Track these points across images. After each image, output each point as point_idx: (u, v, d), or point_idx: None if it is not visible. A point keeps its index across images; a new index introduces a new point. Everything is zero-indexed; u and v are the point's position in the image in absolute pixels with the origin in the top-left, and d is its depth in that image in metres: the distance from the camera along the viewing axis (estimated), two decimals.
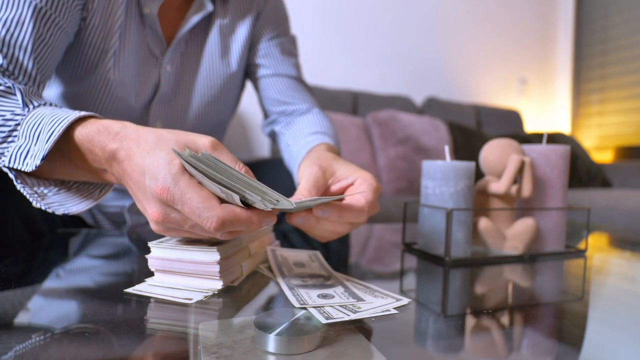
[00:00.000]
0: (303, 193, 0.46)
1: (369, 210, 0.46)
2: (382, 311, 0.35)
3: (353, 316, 0.33)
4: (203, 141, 0.38)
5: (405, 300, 0.38)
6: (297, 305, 0.35)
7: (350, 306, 0.35)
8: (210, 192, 0.34)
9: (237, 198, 0.33)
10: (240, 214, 0.34)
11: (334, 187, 0.50)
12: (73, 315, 0.35)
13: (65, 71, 0.67)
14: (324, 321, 0.31)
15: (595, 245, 0.77)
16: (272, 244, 0.53)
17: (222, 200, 0.34)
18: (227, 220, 0.33)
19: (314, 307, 0.35)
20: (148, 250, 0.41)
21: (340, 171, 0.50)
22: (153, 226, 0.38)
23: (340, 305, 0.35)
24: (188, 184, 0.34)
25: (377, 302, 0.37)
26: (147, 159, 0.36)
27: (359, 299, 0.37)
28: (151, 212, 0.36)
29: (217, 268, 0.39)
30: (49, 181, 0.48)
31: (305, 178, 0.48)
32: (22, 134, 0.45)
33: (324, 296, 0.37)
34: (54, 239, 0.64)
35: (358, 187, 0.48)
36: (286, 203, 0.35)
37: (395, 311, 0.35)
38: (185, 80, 0.75)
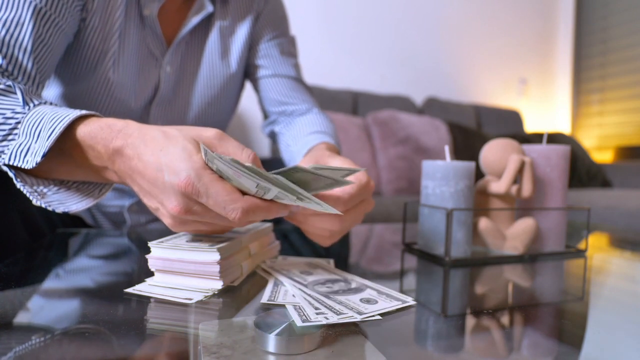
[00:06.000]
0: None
1: (350, 202, 0.45)
2: (368, 317, 0.33)
3: (333, 320, 0.32)
4: (208, 134, 0.39)
5: (408, 302, 0.38)
6: (358, 318, 0.33)
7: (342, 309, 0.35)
8: (232, 185, 0.36)
9: (274, 192, 0.36)
10: (261, 205, 0.37)
11: None
12: (73, 315, 0.35)
13: (64, 72, 0.67)
14: (300, 324, 0.30)
15: (595, 245, 0.77)
16: (272, 244, 0.53)
17: (242, 193, 0.37)
18: (251, 210, 0.36)
19: (291, 304, 0.35)
20: (148, 250, 0.41)
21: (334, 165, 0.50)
22: (168, 221, 0.39)
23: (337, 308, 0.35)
24: (212, 178, 0.35)
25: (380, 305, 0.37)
26: (162, 156, 0.37)
27: (404, 302, 0.37)
28: (172, 206, 0.37)
29: (217, 268, 0.39)
30: (48, 181, 0.48)
31: None
32: (23, 132, 0.45)
33: (367, 301, 0.37)
34: (54, 239, 0.64)
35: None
36: (315, 200, 0.36)
37: (379, 317, 0.34)
38: (185, 81, 0.75)
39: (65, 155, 0.45)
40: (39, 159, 0.42)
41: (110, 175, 0.45)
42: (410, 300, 0.38)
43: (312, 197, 0.36)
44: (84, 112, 0.44)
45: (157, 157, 0.37)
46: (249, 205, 0.36)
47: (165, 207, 0.38)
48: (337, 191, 0.45)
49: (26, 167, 0.43)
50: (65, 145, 0.44)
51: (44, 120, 0.44)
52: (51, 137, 0.42)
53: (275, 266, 0.48)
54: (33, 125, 0.44)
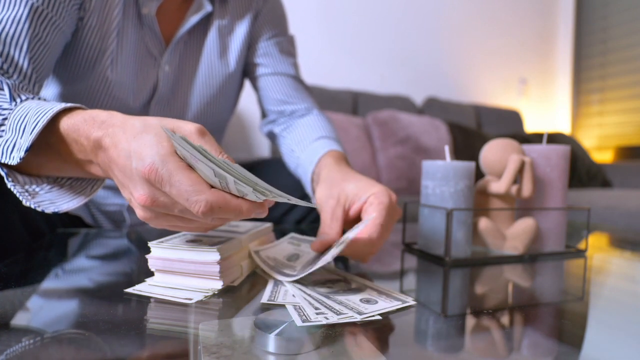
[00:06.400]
0: (326, 230, 0.48)
1: (384, 229, 0.46)
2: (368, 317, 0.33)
3: (333, 319, 0.32)
4: (189, 127, 0.36)
5: (408, 302, 0.38)
6: (358, 317, 0.33)
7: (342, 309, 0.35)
8: (200, 176, 0.33)
9: (231, 181, 0.32)
10: (230, 200, 0.33)
11: (352, 212, 0.50)
12: (73, 315, 0.35)
13: (63, 71, 0.67)
14: (300, 324, 0.30)
15: (595, 245, 0.77)
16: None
17: (211, 186, 0.34)
18: (216, 205, 0.32)
19: (291, 304, 0.34)
20: (148, 250, 0.41)
21: (353, 192, 0.50)
22: (140, 213, 0.36)
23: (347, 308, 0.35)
24: (177, 165, 0.33)
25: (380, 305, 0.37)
26: (133, 142, 0.35)
27: (404, 302, 0.37)
28: (138, 195, 0.34)
29: (217, 268, 0.38)
30: (41, 179, 0.48)
31: (324, 213, 0.50)
32: (9, 127, 0.44)
33: (367, 301, 0.37)
34: (53, 239, 0.64)
35: (368, 207, 0.48)
36: (277, 195, 0.34)
37: (379, 317, 0.34)
38: (184, 80, 0.75)
39: (53, 151, 0.44)
40: (22, 154, 0.42)
41: (95, 170, 0.43)
42: (410, 300, 0.38)
43: (274, 190, 0.33)
44: (68, 105, 0.43)
45: (129, 144, 0.35)
46: (216, 200, 0.32)
47: (134, 197, 0.35)
48: (365, 232, 0.45)
49: (12, 163, 0.43)
50: (52, 139, 0.43)
51: (28, 115, 0.43)
52: (34, 131, 0.41)
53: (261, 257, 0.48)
54: (19, 121, 0.43)
